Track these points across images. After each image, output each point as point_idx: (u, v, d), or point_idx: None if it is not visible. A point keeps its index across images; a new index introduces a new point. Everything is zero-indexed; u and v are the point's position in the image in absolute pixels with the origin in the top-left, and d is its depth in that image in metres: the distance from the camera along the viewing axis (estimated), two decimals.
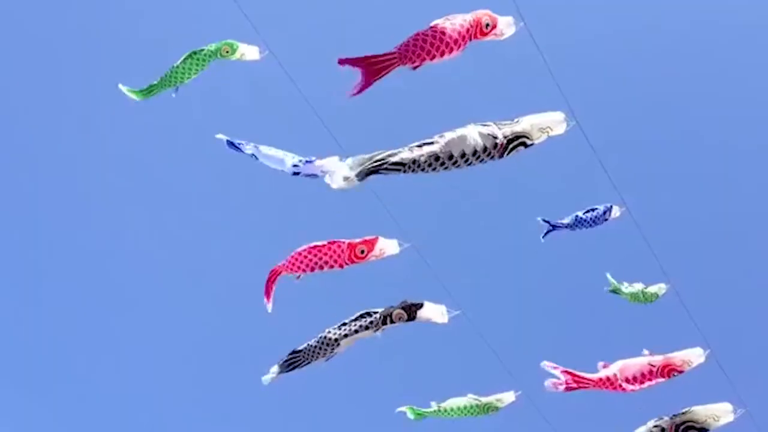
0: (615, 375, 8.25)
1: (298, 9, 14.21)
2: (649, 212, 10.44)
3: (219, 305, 15.46)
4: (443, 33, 6.33)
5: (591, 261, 13.48)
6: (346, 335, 8.25)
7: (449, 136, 6.22)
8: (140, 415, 16.35)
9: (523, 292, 15.77)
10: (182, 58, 8.37)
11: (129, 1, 14.88)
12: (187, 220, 15.79)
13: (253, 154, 8.42)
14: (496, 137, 6.32)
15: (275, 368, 8.55)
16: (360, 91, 6.22)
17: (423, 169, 6.20)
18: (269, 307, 8.62)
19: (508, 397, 9.70)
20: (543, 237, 9.55)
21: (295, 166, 8.34)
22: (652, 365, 8.34)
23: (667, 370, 8.40)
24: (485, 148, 6.30)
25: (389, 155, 6.07)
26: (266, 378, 8.59)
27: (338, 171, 6.12)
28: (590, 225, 9.32)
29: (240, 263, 14.91)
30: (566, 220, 9.43)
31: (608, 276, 10.15)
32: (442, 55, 6.37)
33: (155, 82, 8.42)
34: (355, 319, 8.31)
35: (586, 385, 8.17)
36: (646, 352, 8.46)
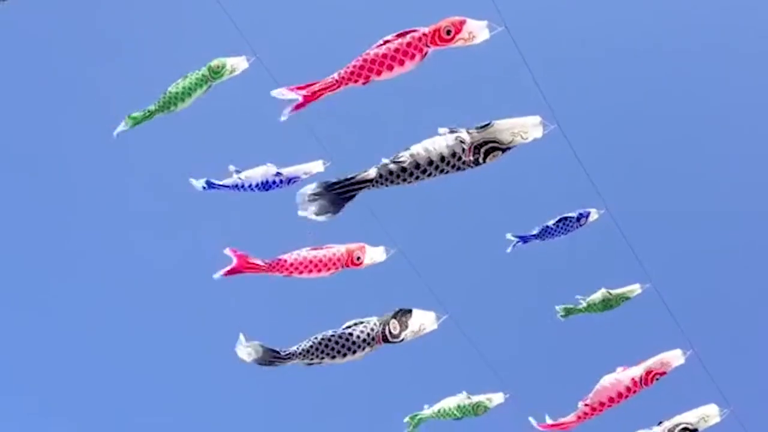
0: (593, 407, 8.33)
1: (284, 14, 14.24)
2: (629, 213, 10.51)
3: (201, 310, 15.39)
4: (384, 51, 6.49)
5: (578, 262, 13.61)
6: (345, 353, 7.94)
7: (415, 149, 6.34)
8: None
9: (511, 295, 15.80)
10: (175, 85, 8.33)
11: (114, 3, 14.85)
12: (165, 230, 15.75)
13: (236, 185, 8.61)
14: (464, 141, 6.36)
15: (252, 351, 7.83)
16: (296, 109, 6.51)
17: (392, 182, 6.37)
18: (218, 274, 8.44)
19: (497, 397, 9.79)
20: (510, 249, 9.65)
21: (277, 174, 8.62)
22: (633, 379, 8.34)
23: (651, 377, 8.42)
24: (454, 154, 6.34)
25: (355, 176, 6.31)
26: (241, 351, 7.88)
27: (310, 210, 6.34)
28: (562, 233, 9.33)
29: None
30: (535, 231, 9.47)
31: (556, 308, 10.16)
32: (390, 69, 6.54)
33: (150, 108, 8.36)
34: (351, 332, 7.95)
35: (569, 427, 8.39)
36: (620, 369, 8.44)
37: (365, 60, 6.48)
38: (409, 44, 6.49)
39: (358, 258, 8.49)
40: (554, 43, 14.78)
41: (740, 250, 15.23)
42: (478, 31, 6.57)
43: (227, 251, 8.29)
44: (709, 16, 14.97)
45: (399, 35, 6.52)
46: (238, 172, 8.93)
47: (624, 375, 8.34)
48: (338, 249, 8.56)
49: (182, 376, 16.18)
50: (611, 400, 8.34)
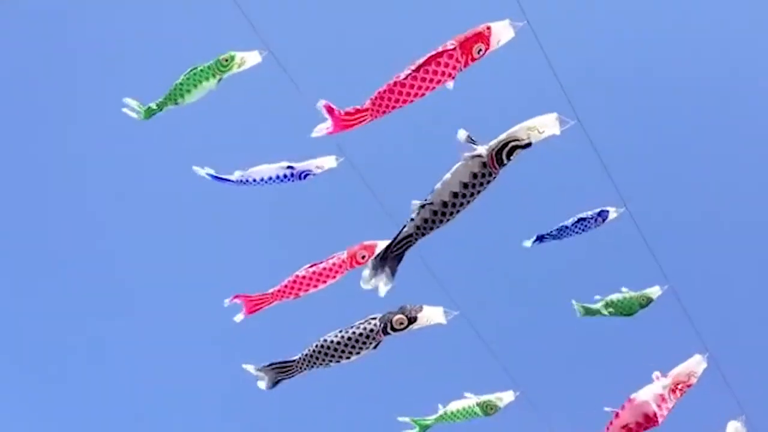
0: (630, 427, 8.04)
1: (298, 9, 14.17)
2: (649, 213, 10.39)
3: (209, 312, 15.34)
4: (414, 80, 6.54)
5: (592, 260, 13.50)
6: (349, 353, 8.06)
7: (437, 187, 6.29)
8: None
9: (521, 292, 15.73)
10: (183, 75, 8.35)
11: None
12: (176, 232, 15.69)
13: (241, 180, 8.60)
14: (482, 156, 6.24)
15: (263, 376, 8.36)
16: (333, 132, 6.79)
17: (431, 228, 6.35)
18: (240, 317, 8.89)
19: (507, 396, 9.69)
20: (531, 244, 9.59)
21: (289, 168, 8.54)
22: (662, 394, 8.08)
23: (679, 389, 8.20)
24: (476, 175, 6.23)
25: (395, 238, 6.37)
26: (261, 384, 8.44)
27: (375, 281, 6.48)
28: (580, 232, 9.25)
29: (233, 268, 14.87)
30: (553, 231, 9.39)
31: (574, 303, 10.05)
32: (421, 96, 6.62)
33: (158, 101, 8.42)
34: (356, 330, 8.03)
35: None
36: (657, 374, 8.22)
37: (398, 85, 6.54)
38: (443, 71, 6.51)
39: (363, 257, 8.50)
40: (575, 37, 14.63)
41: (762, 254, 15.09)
42: (504, 32, 6.52)
43: (233, 301, 8.74)
44: (740, 16, 14.76)
45: (430, 58, 6.50)
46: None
47: (652, 390, 8.10)
48: (339, 255, 8.63)
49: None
50: (643, 422, 8.06)
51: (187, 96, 8.35)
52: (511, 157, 6.30)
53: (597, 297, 9.97)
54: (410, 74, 6.48)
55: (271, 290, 8.88)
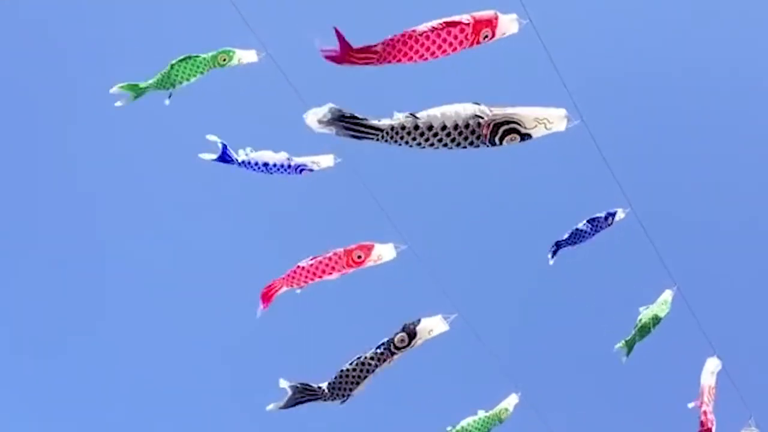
0: None
1: (295, 8, 14.09)
2: (655, 214, 10.32)
3: (213, 312, 15.26)
4: (426, 38, 6.34)
5: (592, 261, 13.43)
6: (365, 376, 8.15)
7: (432, 110, 6.11)
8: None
9: (521, 293, 15.66)
10: (177, 61, 8.25)
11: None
12: (176, 227, 15.60)
13: (245, 161, 8.44)
14: (481, 117, 6.13)
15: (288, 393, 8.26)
16: (329, 57, 6.19)
17: (402, 138, 6.10)
18: (260, 311, 8.68)
19: (512, 400, 9.62)
20: (552, 258, 9.42)
21: (288, 159, 8.44)
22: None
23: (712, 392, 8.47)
24: (468, 125, 6.10)
25: (366, 119, 6.05)
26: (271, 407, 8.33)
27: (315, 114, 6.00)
28: (592, 235, 9.15)
29: (238, 266, 14.80)
30: (566, 236, 9.25)
31: (617, 346, 9.61)
32: (421, 58, 6.41)
33: (149, 82, 8.24)
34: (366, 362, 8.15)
35: None
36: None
37: (412, 38, 6.29)
38: (451, 43, 6.36)
39: (359, 257, 8.40)
40: (580, 37, 14.53)
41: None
42: (509, 25, 6.45)
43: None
44: (748, 12, 14.65)
45: (446, 24, 6.32)
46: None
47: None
48: (337, 251, 8.53)
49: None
50: None
51: (178, 86, 8.27)
52: (504, 141, 6.20)
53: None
54: (425, 32, 6.29)
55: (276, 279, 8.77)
